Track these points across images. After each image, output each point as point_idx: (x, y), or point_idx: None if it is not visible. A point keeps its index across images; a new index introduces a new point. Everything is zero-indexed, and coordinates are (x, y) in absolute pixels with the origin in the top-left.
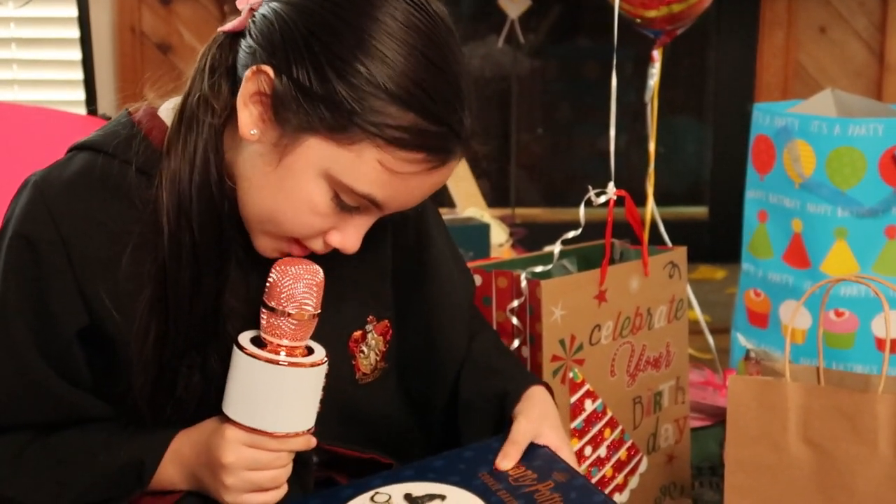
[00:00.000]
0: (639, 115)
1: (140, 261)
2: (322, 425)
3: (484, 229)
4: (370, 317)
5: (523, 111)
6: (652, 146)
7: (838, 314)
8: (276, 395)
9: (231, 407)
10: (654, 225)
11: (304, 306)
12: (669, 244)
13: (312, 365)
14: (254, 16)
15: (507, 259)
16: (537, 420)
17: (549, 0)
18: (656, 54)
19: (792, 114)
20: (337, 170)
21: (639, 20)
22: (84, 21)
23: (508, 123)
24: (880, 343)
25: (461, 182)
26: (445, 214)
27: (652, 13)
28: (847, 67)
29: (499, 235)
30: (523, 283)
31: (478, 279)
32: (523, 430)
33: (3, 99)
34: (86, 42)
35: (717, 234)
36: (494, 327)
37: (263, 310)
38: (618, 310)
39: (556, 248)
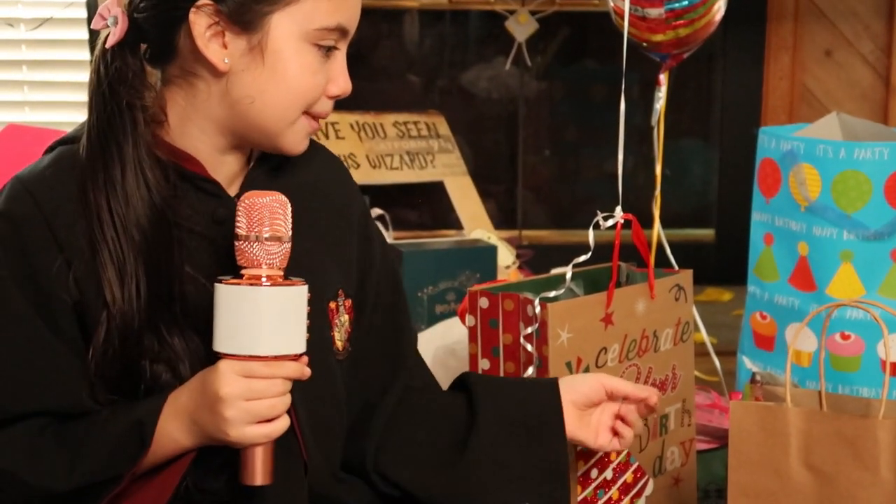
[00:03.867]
0: (645, 137)
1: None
2: (302, 392)
3: (491, 251)
4: (341, 290)
5: (530, 133)
6: (658, 169)
7: (844, 337)
8: (260, 317)
9: (220, 342)
10: (660, 247)
11: (275, 228)
12: (676, 267)
13: (293, 285)
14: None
15: (513, 282)
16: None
17: (556, 23)
18: (663, 78)
19: (797, 137)
20: (307, 25)
21: (645, 44)
22: (95, 44)
23: (516, 145)
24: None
25: (467, 204)
26: (452, 236)
27: (658, 37)
28: (853, 91)
29: (506, 257)
30: (537, 309)
31: (484, 302)
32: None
33: (14, 120)
34: None
35: (724, 257)
36: (500, 350)
37: (237, 243)
38: (624, 332)
39: (568, 272)
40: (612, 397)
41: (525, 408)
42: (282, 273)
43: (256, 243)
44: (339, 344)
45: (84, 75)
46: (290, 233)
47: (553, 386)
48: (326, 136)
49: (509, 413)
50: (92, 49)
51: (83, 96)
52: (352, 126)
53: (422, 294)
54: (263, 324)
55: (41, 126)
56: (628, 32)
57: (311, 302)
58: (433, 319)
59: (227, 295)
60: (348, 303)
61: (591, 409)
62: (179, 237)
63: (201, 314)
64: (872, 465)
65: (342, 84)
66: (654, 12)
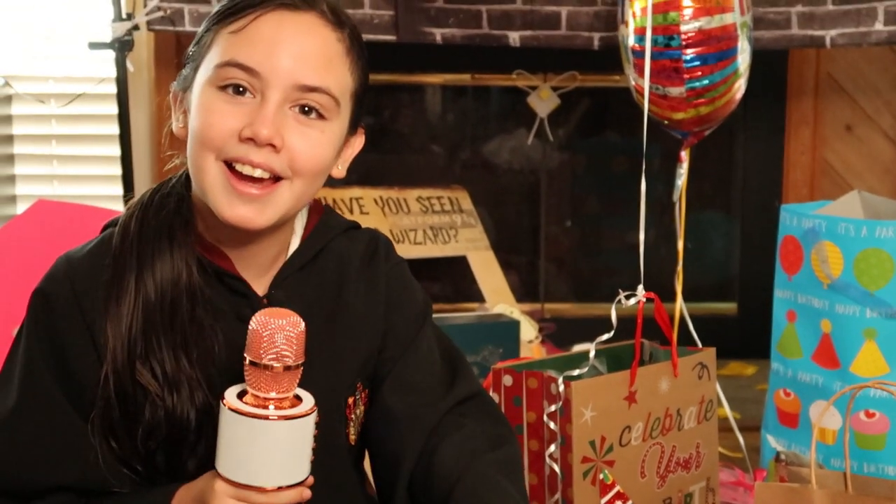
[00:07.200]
0: (667, 209)
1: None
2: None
3: (513, 326)
4: (359, 383)
5: (552, 205)
6: (680, 245)
7: (869, 415)
8: (264, 449)
9: (221, 462)
10: (682, 322)
11: (283, 357)
12: (699, 343)
13: (301, 416)
14: None
15: (537, 359)
16: None
17: (577, 98)
18: (684, 155)
19: (819, 215)
20: (209, 68)
21: (666, 122)
22: (124, 118)
23: (538, 217)
24: None
25: (490, 278)
26: (475, 310)
27: (679, 115)
28: (874, 165)
29: (528, 332)
30: (560, 388)
31: (508, 380)
32: None
33: (43, 194)
34: (125, 139)
35: (747, 331)
36: (525, 428)
37: (246, 364)
38: (648, 411)
39: (592, 350)
40: None
41: None
42: (290, 396)
43: (265, 371)
44: (352, 438)
45: (113, 149)
46: (300, 359)
47: None
48: (350, 211)
49: None
50: (121, 123)
51: (111, 170)
52: (376, 201)
53: None
54: (265, 457)
55: (69, 200)
56: (650, 109)
57: (329, 402)
58: None
59: (230, 421)
60: (365, 393)
61: None
62: (202, 330)
63: (211, 415)
64: None
65: (254, 127)
66: (675, 91)
